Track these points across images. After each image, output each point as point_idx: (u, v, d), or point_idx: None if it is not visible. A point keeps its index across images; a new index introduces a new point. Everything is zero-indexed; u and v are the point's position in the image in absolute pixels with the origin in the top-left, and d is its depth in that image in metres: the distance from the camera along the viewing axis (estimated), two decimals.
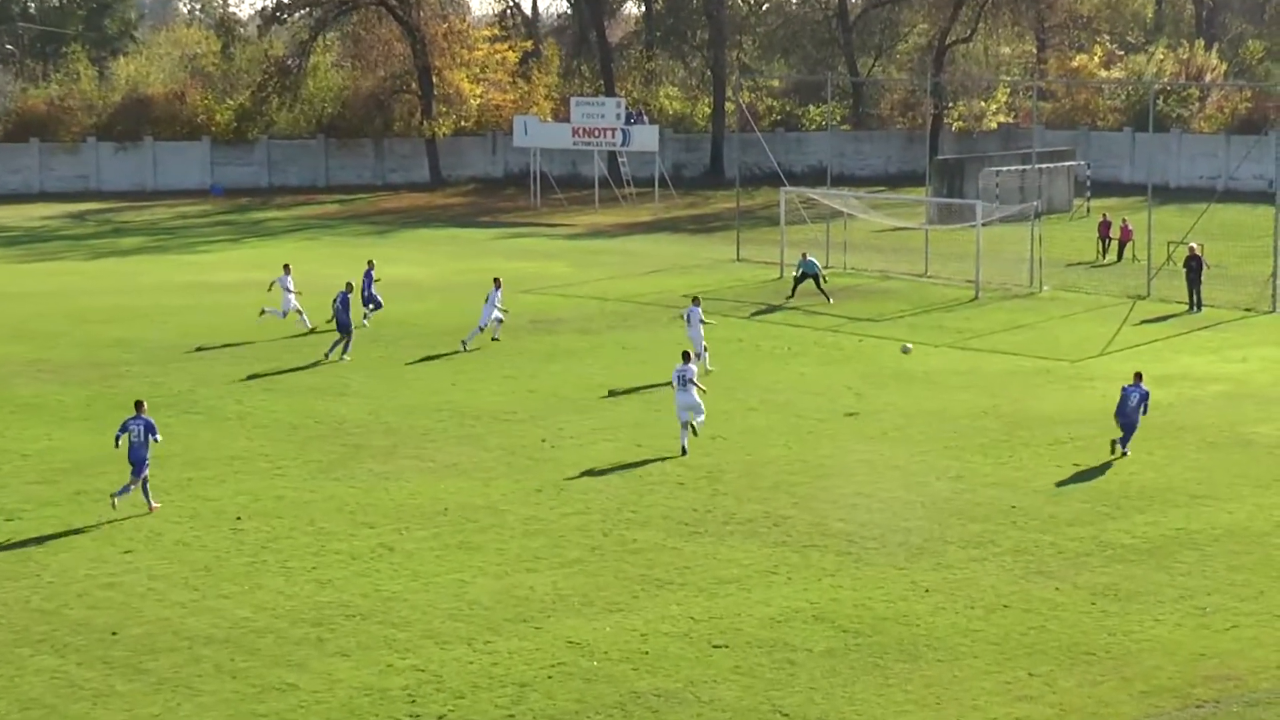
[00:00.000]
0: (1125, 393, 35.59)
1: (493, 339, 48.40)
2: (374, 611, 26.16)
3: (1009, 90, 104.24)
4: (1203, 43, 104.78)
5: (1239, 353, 46.62)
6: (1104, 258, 66.34)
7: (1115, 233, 66.79)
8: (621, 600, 26.61)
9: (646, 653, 24.39)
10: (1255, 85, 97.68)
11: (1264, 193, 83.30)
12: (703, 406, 36.41)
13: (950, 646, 24.49)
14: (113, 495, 31.63)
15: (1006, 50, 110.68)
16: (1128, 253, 65.85)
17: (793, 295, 55.88)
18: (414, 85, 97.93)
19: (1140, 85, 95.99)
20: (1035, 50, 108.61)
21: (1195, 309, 53.67)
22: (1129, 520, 30.60)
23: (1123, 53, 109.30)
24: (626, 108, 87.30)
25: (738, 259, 67.16)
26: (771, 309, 54.59)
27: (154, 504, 31.82)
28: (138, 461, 31.70)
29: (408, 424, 38.69)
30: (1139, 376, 36.05)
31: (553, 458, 35.55)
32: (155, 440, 31.97)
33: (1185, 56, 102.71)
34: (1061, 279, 60.14)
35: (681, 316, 46.29)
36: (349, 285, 47.34)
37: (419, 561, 28.64)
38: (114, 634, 25.30)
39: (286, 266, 51.91)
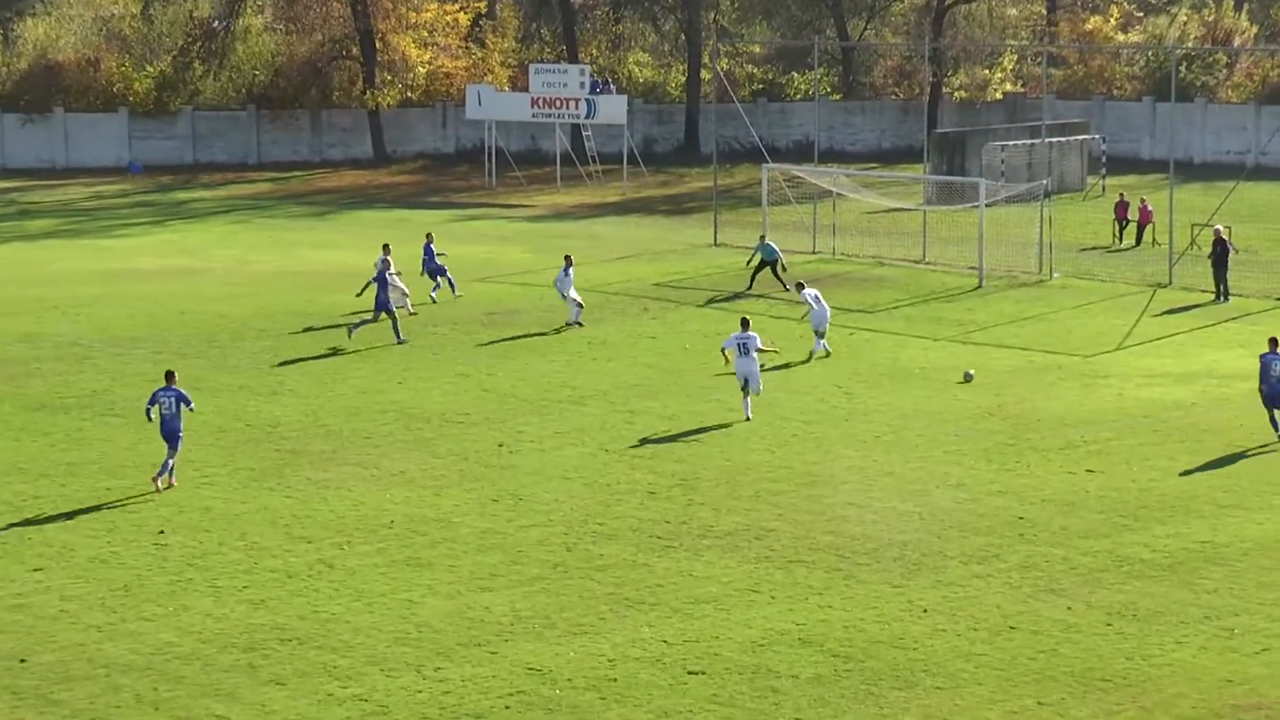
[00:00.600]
0: (1265, 362, 36.17)
1: (566, 323, 49.53)
2: (312, 635, 26.18)
3: (1016, 56, 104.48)
4: (1231, 3, 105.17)
5: None
6: (1121, 242, 66.55)
7: (1133, 214, 66.99)
8: (587, 622, 26.67)
9: (615, 680, 24.45)
10: None
11: None
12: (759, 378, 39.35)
13: (951, 672, 24.60)
14: (154, 478, 33.55)
15: (1013, 12, 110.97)
16: (1147, 236, 66.07)
17: (750, 285, 55.51)
18: (355, 51, 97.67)
19: (1161, 50, 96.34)
20: (1045, 12, 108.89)
21: (1222, 298, 53.89)
22: (1148, 532, 30.75)
23: (1142, 14, 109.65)
24: (591, 76, 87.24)
25: (715, 243, 67.18)
26: (755, 298, 54.61)
27: (174, 480, 33.69)
28: (171, 435, 33.72)
29: (349, 427, 38.70)
30: (1275, 343, 36.42)
31: (510, 464, 35.60)
32: (190, 409, 34.17)
33: (1211, 18, 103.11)
34: (1074, 265, 60.32)
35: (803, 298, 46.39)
36: (387, 263, 48.68)
37: (362, 580, 28.67)
38: (22, 661, 25.26)
39: (386, 246, 52.61)
